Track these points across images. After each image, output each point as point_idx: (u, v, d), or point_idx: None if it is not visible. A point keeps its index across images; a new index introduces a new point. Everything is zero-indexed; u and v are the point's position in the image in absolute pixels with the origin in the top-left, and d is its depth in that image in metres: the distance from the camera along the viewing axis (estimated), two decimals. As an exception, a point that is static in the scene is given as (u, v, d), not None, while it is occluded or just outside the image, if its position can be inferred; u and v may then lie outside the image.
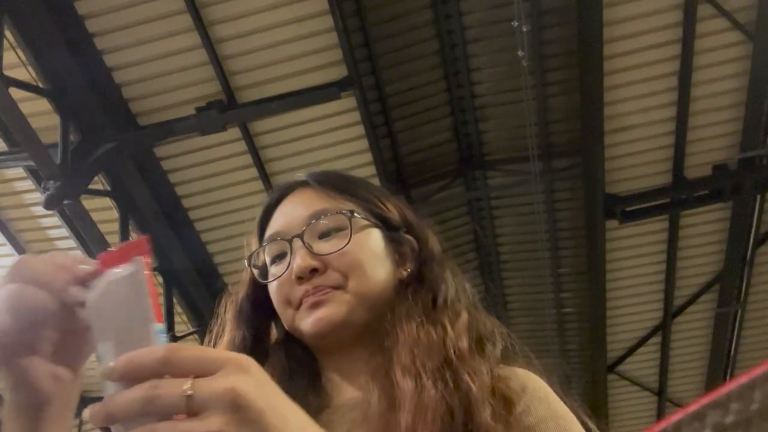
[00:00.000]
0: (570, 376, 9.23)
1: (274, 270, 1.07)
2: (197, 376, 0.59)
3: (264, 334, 1.10)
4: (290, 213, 1.08)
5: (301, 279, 1.01)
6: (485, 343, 1.00)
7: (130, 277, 0.64)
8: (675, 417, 0.50)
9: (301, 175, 1.14)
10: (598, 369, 8.31)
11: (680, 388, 8.88)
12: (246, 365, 0.61)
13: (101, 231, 5.71)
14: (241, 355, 0.63)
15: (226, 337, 1.09)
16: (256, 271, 1.10)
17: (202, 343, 1.19)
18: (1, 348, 0.67)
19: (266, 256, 1.09)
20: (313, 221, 1.04)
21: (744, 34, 5.59)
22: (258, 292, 1.10)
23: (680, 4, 5.48)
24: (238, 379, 0.59)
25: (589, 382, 8.56)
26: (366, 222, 1.06)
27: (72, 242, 6.35)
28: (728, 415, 0.47)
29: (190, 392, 0.58)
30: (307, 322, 1.00)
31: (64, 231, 6.24)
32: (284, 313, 1.05)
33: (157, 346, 0.61)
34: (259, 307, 1.10)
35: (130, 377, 0.59)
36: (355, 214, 1.05)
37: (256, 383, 0.61)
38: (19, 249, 6.46)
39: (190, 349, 0.61)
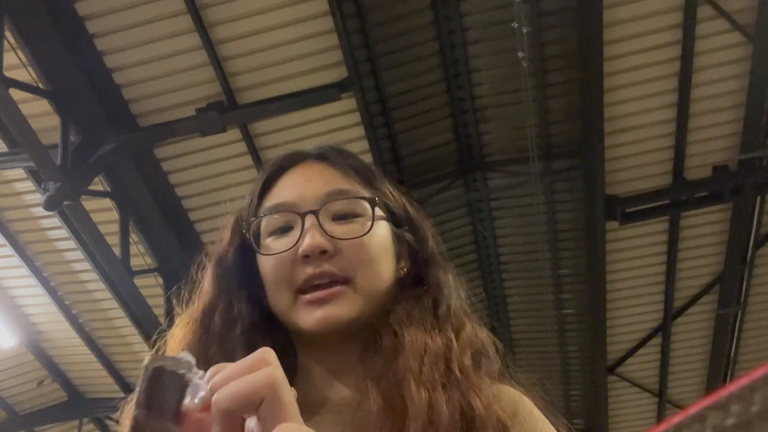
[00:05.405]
0: (570, 378, 9.24)
1: (272, 243, 0.97)
2: None
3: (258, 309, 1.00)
4: (304, 185, 0.99)
5: (307, 258, 0.93)
6: (482, 357, 0.97)
7: None
8: (675, 419, 0.50)
9: (314, 149, 1.05)
10: (599, 370, 8.30)
11: (680, 389, 8.88)
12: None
13: (101, 232, 5.71)
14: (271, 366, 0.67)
15: (217, 305, 0.99)
16: (252, 241, 1.00)
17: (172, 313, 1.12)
18: None
19: (265, 227, 0.99)
20: (331, 200, 0.97)
21: (744, 36, 5.58)
22: (243, 261, 1.01)
23: (680, 5, 5.48)
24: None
25: (589, 384, 8.56)
26: (381, 214, 1.00)
27: (72, 243, 6.36)
28: (729, 417, 0.47)
29: None
30: (311, 318, 0.93)
31: (64, 232, 6.25)
32: (278, 294, 0.96)
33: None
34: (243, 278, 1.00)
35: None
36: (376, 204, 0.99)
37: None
38: (19, 249, 6.46)
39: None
